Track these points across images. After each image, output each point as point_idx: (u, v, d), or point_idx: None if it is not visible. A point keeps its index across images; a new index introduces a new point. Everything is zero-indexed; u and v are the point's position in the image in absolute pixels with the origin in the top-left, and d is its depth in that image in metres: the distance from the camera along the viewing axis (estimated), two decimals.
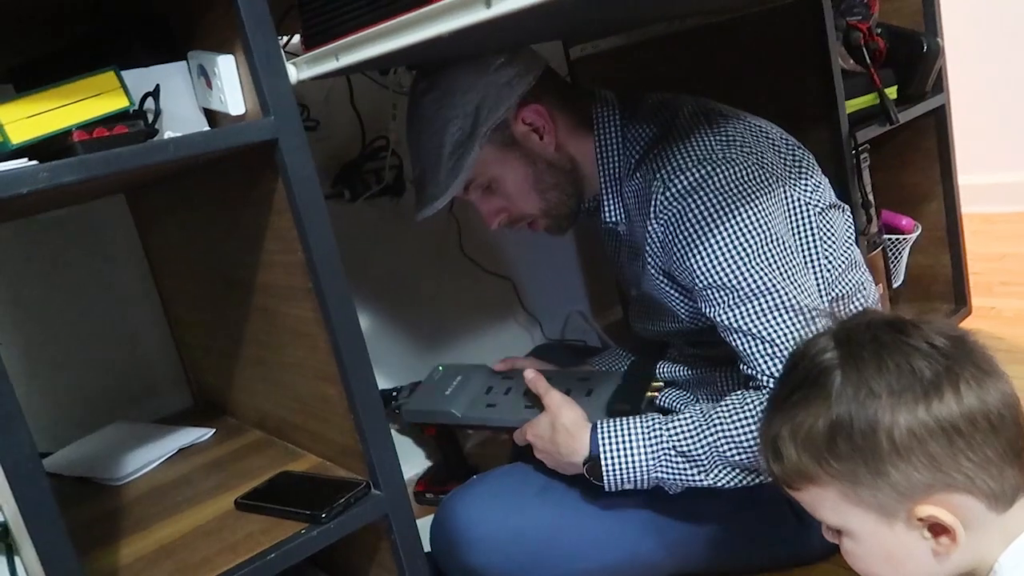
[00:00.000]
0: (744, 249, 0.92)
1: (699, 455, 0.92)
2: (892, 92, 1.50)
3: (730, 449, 0.91)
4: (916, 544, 0.63)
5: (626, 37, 1.51)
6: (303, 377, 0.89)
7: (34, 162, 0.64)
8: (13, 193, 0.61)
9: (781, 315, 0.91)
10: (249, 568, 0.74)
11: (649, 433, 0.95)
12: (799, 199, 1.00)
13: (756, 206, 0.94)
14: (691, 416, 0.94)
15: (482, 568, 1.02)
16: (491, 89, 1.02)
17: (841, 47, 1.38)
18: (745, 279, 0.92)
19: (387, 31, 0.72)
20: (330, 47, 0.79)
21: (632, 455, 0.95)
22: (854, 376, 0.63)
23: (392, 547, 0.84)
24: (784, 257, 0.94)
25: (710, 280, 0.94)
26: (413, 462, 1.53)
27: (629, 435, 0.95)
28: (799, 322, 0.91)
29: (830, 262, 1.02)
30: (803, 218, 1.00)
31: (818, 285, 1.00)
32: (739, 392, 0.94)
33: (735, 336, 0.94)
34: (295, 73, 0.81)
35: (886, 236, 1.60)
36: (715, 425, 0.92)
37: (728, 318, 0.94)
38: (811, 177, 1.04)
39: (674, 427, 0.94)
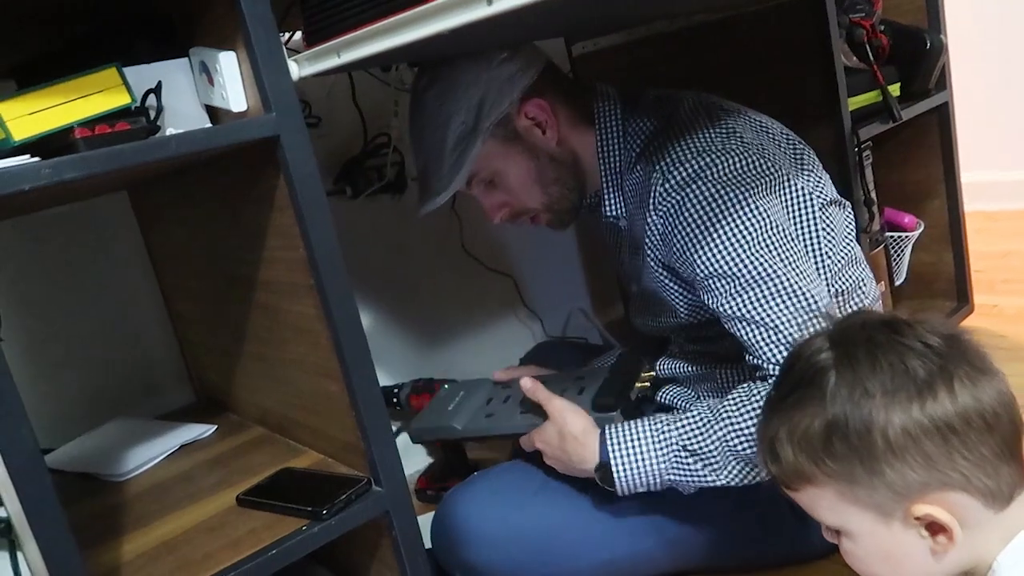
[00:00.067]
0: (744, 237, 0.92)
1: (710, 451, 0.91)
2: (895, 89, 1.49)
3: (741, 442, 0.89)
4: (914, 543, 0.63)
5: (628, 34, 1.50)
6: (304, 374, 0.89)
7: (36, 159, 0.64)
8: (15, 190, 0.61)
9: (784, 301, 0.91)
10: (250, 564, 0.74)
11: (658, 435, 0.94)
12: (802, 188, 1.00)
13: (756, 195, 0.94)
14: (699, 413, 0.94)
15: (482, 564, 1.02)
16: (494, 84, 1.02)
17: (844, 44, 1.38)
18: (746, 266, 0.92)
19: (389, 28, 0.72)
20: (332, 44, 0.79)
21: (642, 458, 0.94)
22: (849, 376, 0.63)
23: (393, 544, 0.84)
24: (785, 244, 0.93)
25: (711, 269, 0.94)
26: (414, 459, 1.54)
27: (638, 438, 0.95)
28: (802, 308, 0.91)
29: (830, 257, 1.02)
30: (806, 208, 1.00)
31: (820, 275, 1.00)
32: (745, 384, 0.94)
33: (739, 325, 0.93)
34: (297, 70, 0.81)
35: (888, 234, 1.60)
36: (724, 419, 0.91)
37: (731, 307, 0.93)
38: (812, 172, 1.04)
39: (682, 426, 0.94)
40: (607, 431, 0.96)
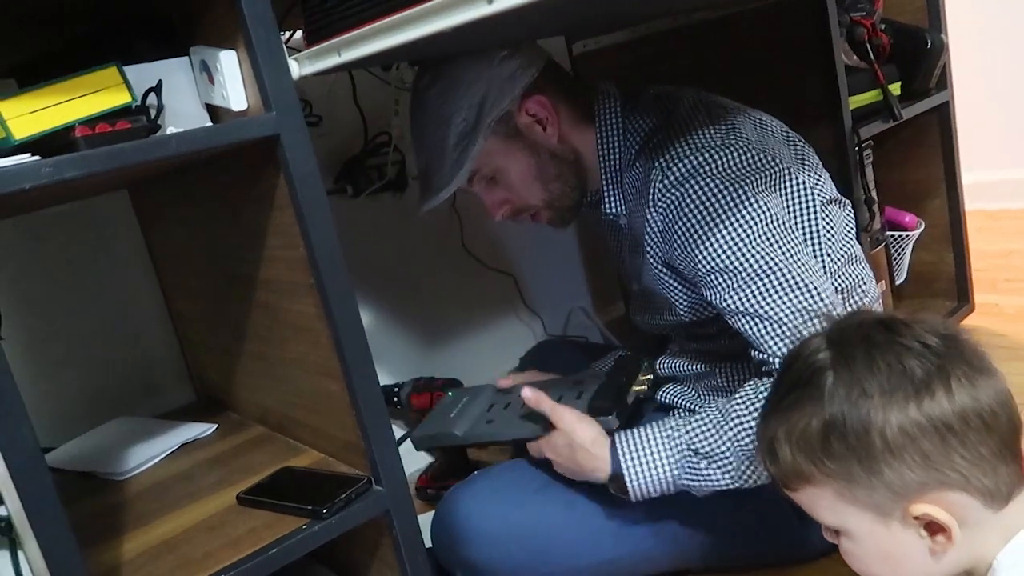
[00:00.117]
0: (745, 231, 0.92)
1: (721, 453, 0.91)
2: (896, 88, 1.49)
3: (752, 440, 0.88)
4: (913, 543, 0.63)
5: (629, 33, 1.50)
6: (305, 373, 0.89)
7: (36, 157, 0.64)
8: (16, 188, 0.61)
9: (786, 293, 0.90)
10: (251, 563, 0.74)
11: (668, 440, 0.94)
12: (803, 182, 0.99)
13: (755, 190, 0.93)
14: (708, 415, 0.93)
15: (483, 563, 1.02)
16: (495, 81, 1.02)
17: (845, 43, 1.38)
18: (747, 260, 0.91)
19: (390, 26, 0.72)
20: (332, 43, 0.79)
21: (653, 465, 0.93)
22: (846, 376, 0.63)
23: (393, 543, 0.84)
24: (785, 238, 0.93)
25: (712, 264, 0.93)
26: (414, 458, 1.53)
27: (648, 445, 0.94)
28: (805, 300, 0.90)
29: (829, 255, 1.02)
30: (808, 203, 0.99)
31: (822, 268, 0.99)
32: (752, 382, 0.93)
33: (742, 320, 0.93)
34: (297, 69, 0.81)
35: (889, 233, 1.60)
36: (733, 419, 0.90)
37: (733, 301, 0.93)
38: (812, 170, 1.04)
39: (692, 429, 0.93)
40: (617, 440, 0.96)
